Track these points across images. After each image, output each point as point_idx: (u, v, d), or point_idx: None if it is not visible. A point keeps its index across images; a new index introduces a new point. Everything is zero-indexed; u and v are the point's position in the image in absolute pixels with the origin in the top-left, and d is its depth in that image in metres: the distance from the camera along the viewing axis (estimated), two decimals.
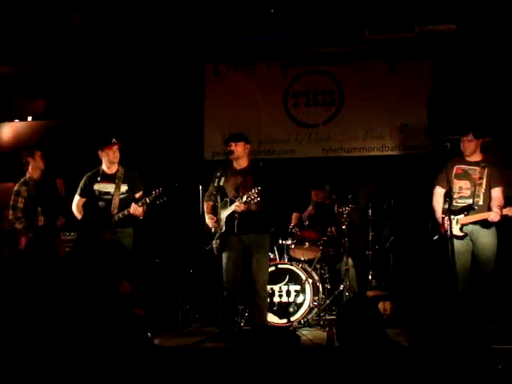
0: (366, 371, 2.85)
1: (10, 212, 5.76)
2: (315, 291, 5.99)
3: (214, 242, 5.35)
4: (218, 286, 5.42)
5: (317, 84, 7.13)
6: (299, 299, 5.94)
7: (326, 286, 6.19)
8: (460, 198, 5.20)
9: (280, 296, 5.99)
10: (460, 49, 6.56)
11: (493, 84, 6.38)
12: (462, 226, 5.13)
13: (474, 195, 5.18)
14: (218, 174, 5.34)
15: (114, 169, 5.59)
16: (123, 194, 5.53)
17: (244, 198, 5.13)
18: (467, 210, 5.13)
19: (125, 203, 5.46)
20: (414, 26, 6.34)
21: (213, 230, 5.38)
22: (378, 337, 3.02)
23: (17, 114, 7.64)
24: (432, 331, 2.94)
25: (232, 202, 5.28)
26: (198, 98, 7.34)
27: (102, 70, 7.22)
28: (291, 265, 6.07)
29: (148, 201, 5.31)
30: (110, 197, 5.50)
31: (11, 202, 5.76)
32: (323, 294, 6.09)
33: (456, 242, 4.96)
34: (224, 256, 5.34)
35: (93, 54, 6.91)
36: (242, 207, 5.18)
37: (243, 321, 5.83)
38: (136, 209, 5.35)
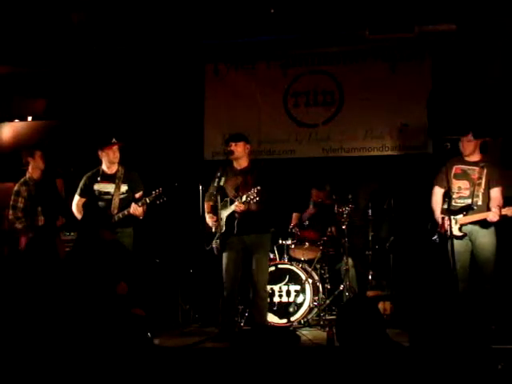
0: (366, 371, 2.85)
1: (10, 212, 5.76)
2: (315, 291, 5.99)
3: (213, 242, 5.35)
4: (218, 285, 5.42)
5: (317, 84, 7.13)
6: (299, 299, 5.94)
7: (326, 285, 6.19)
8: (459, 198, 5.20)
9: (280, 296, 5.99)
10: (460, 49, 6.56)
11: (493, 84, 6.38)
12: (461, 225, 5.14)
13: (473, 195, 5.18)
14: (218, 174, 5.35)
15: (113, 169, 5.59)
16: (123, 194, 5.53)
17: (244, 198, 5.13)
18: (466, 209, 5.13)
19: (125, 203, 5.46)
20: (414, 25, 6.35)
21: (213, 230, 5.38)
22: (377, 337, 3.02)
23: (17, 114, 7.64)
24: (432, 331, 2.94)
25: (232, 202, 5.28)
26: (198, 97, 7.34)
27: (101, 70, 7.22)
28: (291, 265, 6.07)
29: (148, 201, 5.31)
30: (109, 197, 5.50)
31: (11, 202, 5.76)
32: (323, 293, 6.09)
33: (455, 242, 4.97)
34: (224, 256, 5.34)
35: (93, 53, 6.91)
36: (242, 207, 5.18)
37: (243, 321, 5.83)
38: (136, 209, 5.35)
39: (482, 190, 5.18)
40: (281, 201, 5.66)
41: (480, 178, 5.19)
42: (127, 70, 7.21)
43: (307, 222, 6.48)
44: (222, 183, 5.31)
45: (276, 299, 5.97)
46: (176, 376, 3.73)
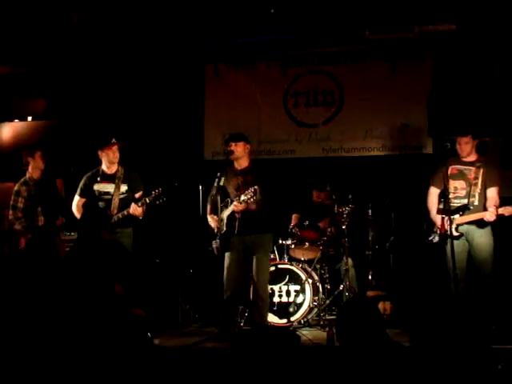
0: (366, 371, 2.85)
1: (10, 212, 5.76)
2: (315, 291, 5.99)
3: (214, 242, 5.35)
4: (218, 286, 5.42)
5: (317, 84, 7.13)
6: (299, 299, 5.94)
7: (325, 286, 6.18)
8: (455, 198, 5.19)
9: (280, 296, 5.98)
10: (460, 49, 6.56)
11: (493, 84, 6.38)
12: (458, 225, 5.13)
13: (469, 195, 5.17)
14: (218, 174, 5.34)
15: (113, 169, 5.59)
16: (123, 194, 5.52)
17: (242, 198, 5.13)
18: (462, 209, 5.12)
19: (124, 203, 5.45)
20: (414, 25, 6.34)
21: (215, 231, 5.38)
22: (378, 337, 3.02)
23: (17, 114, 7.64)
24: (433, 331, 2.94)
25: (232, 203, 5.29)
26: (198, 97, 7.34)
27: (101, 70, 7.22)
28: (291, 265, 6.07)
29: (148, 201, 5.30)
30: (109, 197, 5.49)
31: (11, 202, 5.76)
32: (323, 293, 6.09)
33: (449, 242, 4.95)
34: (226, 256, 5.34)
35: (93, 53, 6.91)
36: (240, 207, 5.17)
37: (243, 321, 5.83)
38: (136, 209, 5.34)
39: (478, 190, 5.18)
40: (281, 201, 5.66)
41: (476, 178, 5.19)
42: (127, 70, 7.21)
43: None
44: (221, 183, 5.31)
45: (276, 299, 5.96)
46: (176, 376, 3.73)
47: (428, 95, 6.51)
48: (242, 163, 5.44)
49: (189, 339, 5.30)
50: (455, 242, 5.05)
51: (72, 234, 5.85)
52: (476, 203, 5.16)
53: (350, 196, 6.09)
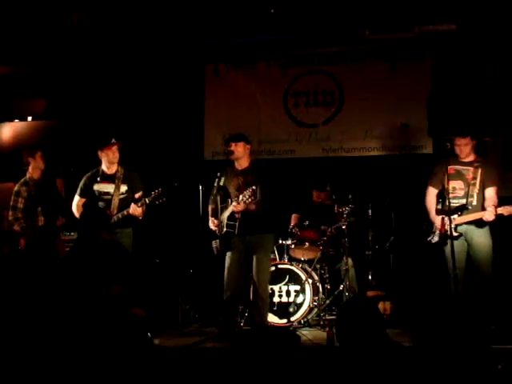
0: (366, 371, 2.85)
1: (10, 213, 5.76)
2: (315, 291, 5.99)
3: (213, 242, 5.35)
4: (218, 285, 5.41)
5: (317, 84, 7.13)
6: (299, 299, 5.94)
7: (325, 286, 6.18)
8: (453, 198, 5.18)
9: (280, 296, 5.98)
10: (460, 49, 6.56)
11: (493, 84, 6.38)
12: (456, 226, 5.13)
13: (467, 195, 5.17)
14: (218, 174, 5.34)
15: (113, 169, 5.59)
16: (123, 194, 5.52)
17: (240, 198, 5.13)
18: (461, 209, 5.12)
19: (124, 203, 5.46)
20: (414, 25, 6.34)
21: (217, 232, 5.38)
22: (378, 337, 3.02)
23: (17, 114, 7.64)
24: (434, 331, 2.94)
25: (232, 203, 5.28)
26: (198, 97, 7.34)
27: (101, 70, 7.22)
28: (291, 265, 6.06)
29: (147, 201, 5.30)
30: (109, 197, 5.50)
31: (11, 203, 5.76)
32: (323, 294, 6.09)
33: (450, 242, 4.95)
34: (227, 256, 5.34)
35: (93, 53, 6.91)
36: (239, 207, 5.17)
37: (243, 321, 5.83)
38: (135, 209, 5.34)
39: (476, 190, 5.18)
40: (281, 201, 5.66)
41: (474, 178, 5.19)
42: (127, 70, 7.21)
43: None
44: (221, 183, 5.31)
45: (276, 299, 5.96)
46: (176, 376, 3.73)
47: (428, 95, 6.51)
48: (243, 163, 5.44)
49: (189, 339, 5.30)
50: (454, 242, 5.05)
51: (72, 234, 5.85)
52: (474, 203, 5.16)
53: (350, 196, 6.09)
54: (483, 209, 5.12)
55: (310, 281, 5.96)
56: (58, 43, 6.64)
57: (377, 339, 3.00)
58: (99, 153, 5.56)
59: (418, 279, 6.21)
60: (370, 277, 6.26)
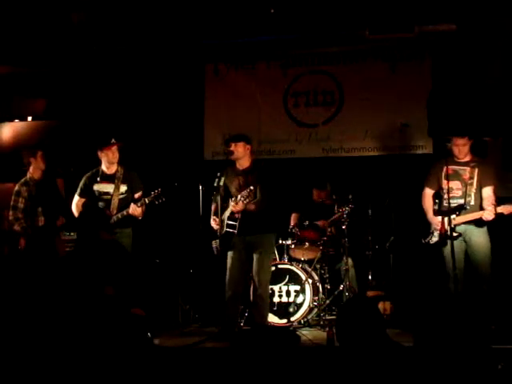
0: (366, 371, 2.84)
1: (10, 213, 5.76)
2: (315, 291, 5.99)
3: (213, 241, 5.35)
4: (218, 285, 5.41)
5: (317, 84, 7.13)
6: (299, 299, 5.94)
7: (325, 286, 6.18)
8: (451, 198, 5.17)
9: (280, 296, 5.99)
10: (460, 49, 6.56)
11: (493, 84, 6.38)
12: (455, 226, 5.12)
13: (465, 195, 5.17)
14: (218, 174, 5.35)
15: (113, 169, 5.59)
16: (122, 194, 5.52)
17: (238, 198, 5.13)
18: (459, 210, 5.11)
19: (124, 203, 5.45)
20: (414, 25, 6.35)
21: (217, 231, 5.38)
22: (378, 337, 3.02)
23: (17, 114, 7.64)
24: (434, 331, 2.94)
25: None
26: (198, 97, 7.34)
27: (101, 70, 7.22)
28: (291, 265, 6.07)
29: (147, 201, 5.30)
30: (109, 197, 5.49)
31: (11, 203, 5.76)
32: (323, 294, 6.09)
33: (449, 243, 4.95)
34: (228, 256, 5.35)
35: (93, 53, 6.91)
36: (238, 207, 5.17)
37: (243, 321, 5.83)
38: (135, 209, 5.34)
39: (474, 190, 5.17)
40: (281, 201, 5.66)
41: (471, 178, 5.18)
42: (127, 70, 7.21)
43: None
44: (221, 183, 5.31)
45: (276, 299, 5.96)
46: (176, 376, 3.73)
47: (428, 95, 6.50)
48: (244, 163, 5.44)
49: (189, 339, 5.30)
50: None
51: (72, 234, 5.85)
52: (472, 203, 5.16)
53: (350, 196, 6.09)
54: (481, 208, 5.12)
55: (310, 281, 5.97)
56: (58, 43, 6.64)
57: (377, 339, 3.00)
58: (99, 153, 5.56)
59: (417, 279, 6.21)
60: (370, 277, 6.26)
